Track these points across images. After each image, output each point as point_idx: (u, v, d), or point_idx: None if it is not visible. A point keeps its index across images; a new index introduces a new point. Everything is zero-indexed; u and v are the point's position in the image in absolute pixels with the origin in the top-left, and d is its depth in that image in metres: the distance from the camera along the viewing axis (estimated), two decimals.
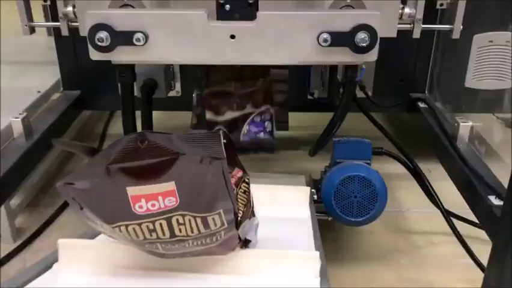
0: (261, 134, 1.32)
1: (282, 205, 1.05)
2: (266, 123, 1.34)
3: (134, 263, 0.79)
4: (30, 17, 1.16)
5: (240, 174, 0.80)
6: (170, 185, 0.66)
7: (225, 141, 0.70)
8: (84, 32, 1.03)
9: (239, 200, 0.77)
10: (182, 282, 0.77)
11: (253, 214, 0.82)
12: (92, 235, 0.87)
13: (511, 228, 0.75)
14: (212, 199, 0.68)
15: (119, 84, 1.14)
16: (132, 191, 0.66)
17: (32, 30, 1.17)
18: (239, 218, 0.74)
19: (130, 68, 1.09)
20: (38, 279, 0.79)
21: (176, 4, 1.06)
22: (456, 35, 1.17)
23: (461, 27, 1.16)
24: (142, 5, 1.03)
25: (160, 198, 0.66)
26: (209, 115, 1.35)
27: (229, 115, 1.34)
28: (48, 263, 0.82)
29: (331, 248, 1.02)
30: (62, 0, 1.09)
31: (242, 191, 0.79)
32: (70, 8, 1.09)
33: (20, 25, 1.15)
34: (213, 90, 1.36)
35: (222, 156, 0.67)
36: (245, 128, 1.32)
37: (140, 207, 0.67)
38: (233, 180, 0.76)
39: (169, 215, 0.68)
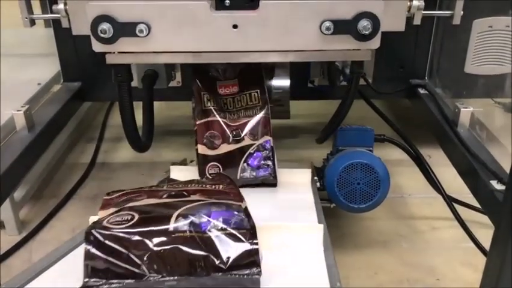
0: (261, 171, 1.16)
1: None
2: (266, 159, 1.17)
3: None
4: (30, 10, 1.15)
5: None
6: None
7: None
8: (76, 30, 1.03)
9: None
10: None
11: None
12: (67, 250, 0.87)
13: None
14: None
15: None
16: None
17: (33, 22, 1.16)
18: None
19: (126, 67, 1.07)
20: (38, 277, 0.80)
21: None
22: (456, 20, 1.17)
23: (462, 12, 1.16)
24: None
25: None
26: (201, 149, 1.18)
27: (224, 148, 1.18)
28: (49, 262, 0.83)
29: (334, 234, 1.03)
30: None
31: None
32: (61, 6, 1.05)
33: (21, 17, 1.14)
34: (205, 121, 1.20)
35: None
36: (243, 164, 1.16)
37: None
38: None
39: None
